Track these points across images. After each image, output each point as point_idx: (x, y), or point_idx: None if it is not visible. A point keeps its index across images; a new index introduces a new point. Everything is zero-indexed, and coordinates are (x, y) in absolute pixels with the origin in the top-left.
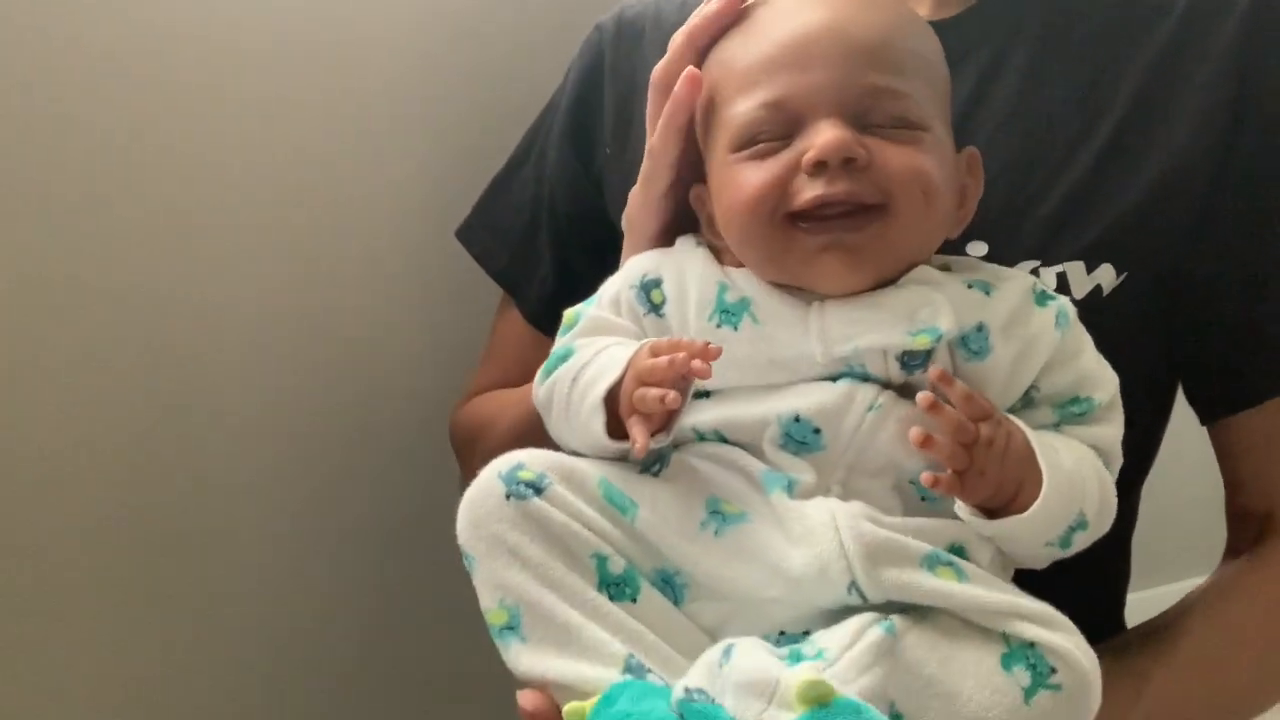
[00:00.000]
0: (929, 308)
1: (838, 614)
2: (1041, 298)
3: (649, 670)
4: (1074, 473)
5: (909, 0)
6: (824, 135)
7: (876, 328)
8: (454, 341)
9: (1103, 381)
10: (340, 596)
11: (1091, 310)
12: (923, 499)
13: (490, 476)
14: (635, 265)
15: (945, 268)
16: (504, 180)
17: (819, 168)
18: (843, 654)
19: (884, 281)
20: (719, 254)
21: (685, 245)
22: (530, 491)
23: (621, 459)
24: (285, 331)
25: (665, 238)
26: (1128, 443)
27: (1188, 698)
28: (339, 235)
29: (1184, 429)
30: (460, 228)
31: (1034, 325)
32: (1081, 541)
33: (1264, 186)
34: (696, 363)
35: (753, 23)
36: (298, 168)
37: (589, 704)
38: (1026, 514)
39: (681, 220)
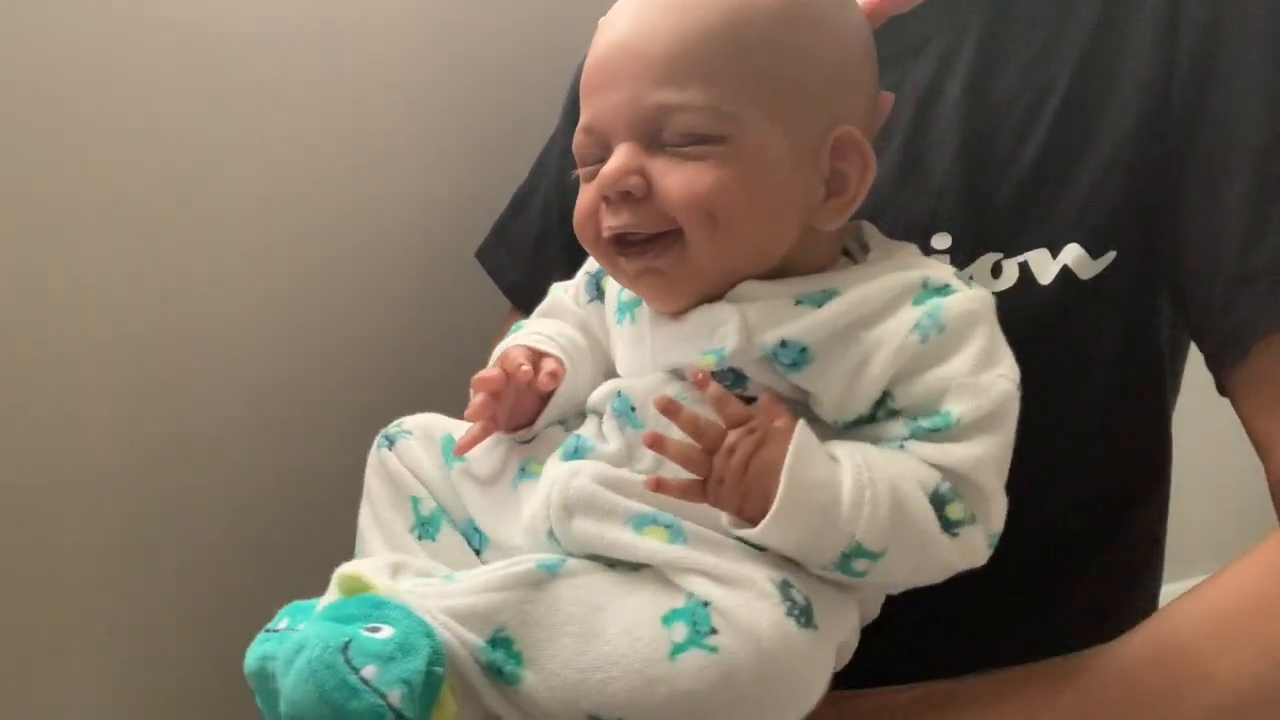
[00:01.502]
0: (717, 329)
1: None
2: (925, 295)
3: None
4: (848, 497)
5: None
6: (607, 164)
7: (679, 347)
8: (462, 354)
9: (970, 394)
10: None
11: (1072, 296)
12: None
13: (380, 434)
14: None
15: (849, 255)
16: (521, 198)
17: (606, 201)
18: (474, 578)
19: (711, 296)
20: None
21: None
22: (386, 443)
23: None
24: (284, 341)
25: None
26: (1138, 430)
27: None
28: (346, 243)
29: (1208, 417)
30: (480, 248)
31: (884, 331)
32: (886, 571)
33: (1210, 133)
34: (478, 400)
35: (593, 41)
36: (301, 173)
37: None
38: (752, 531)
39: None
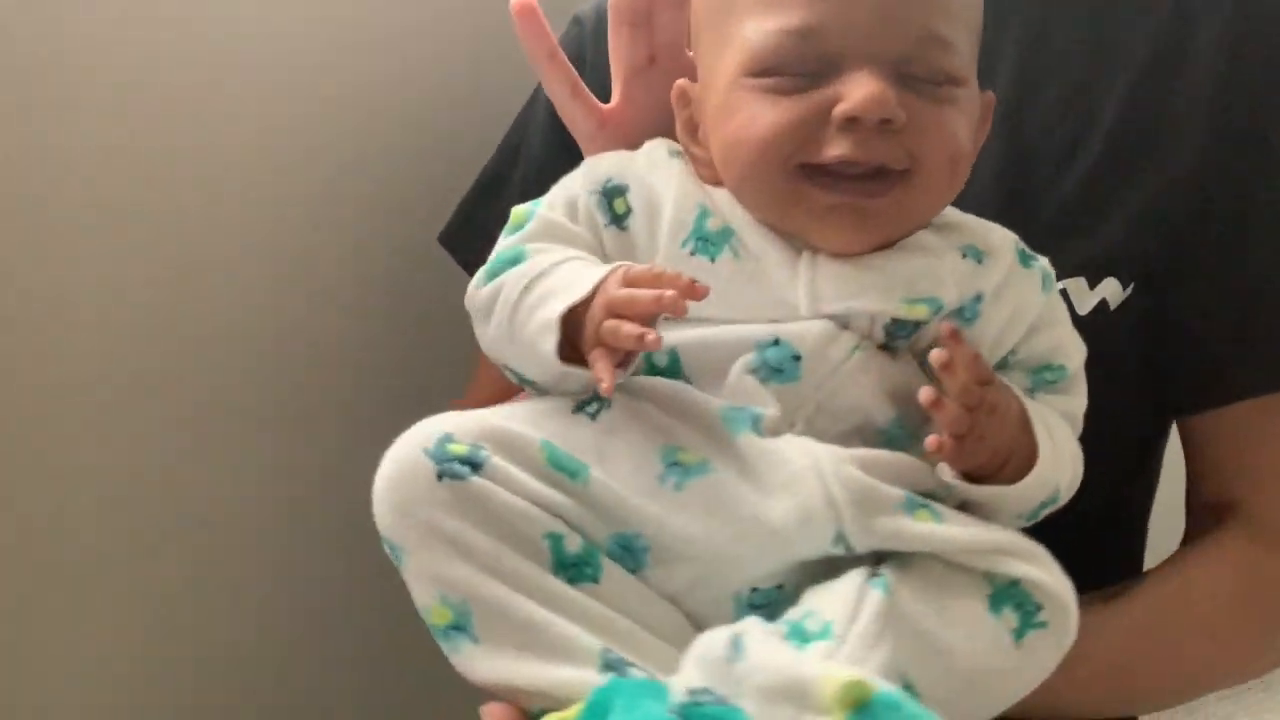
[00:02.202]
0: (929, 279)
1: (813, 564)
2: (1025, 258)
3: (629, 664)
4: (1059, 447)
5: None
6: (863, 89)
7: (872, 292)
8: (448, 347)
9: (1075, 350)
10: (328, 598)
11: (1100, 326)
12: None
13: (414, 453)
14: (597, 167)
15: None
16: (491, 181)
17: (850, 123)
18: (849, 629)
19: (886, 244)
20: (698, 165)
21: (656, 152)
22: (466, 469)
23: (560, 386)
24: (274, 336)
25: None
26: (1133, 451)
27: (1129, 665)
28: (329, 238)
29: None
30: (444, 234)
31: (1024, 289)
32: (1043, 514)
33: (1246, 186)
34: (680, 301)
35: None
36: (287, 170)
37: (573, 712)
38: (1017, 485)
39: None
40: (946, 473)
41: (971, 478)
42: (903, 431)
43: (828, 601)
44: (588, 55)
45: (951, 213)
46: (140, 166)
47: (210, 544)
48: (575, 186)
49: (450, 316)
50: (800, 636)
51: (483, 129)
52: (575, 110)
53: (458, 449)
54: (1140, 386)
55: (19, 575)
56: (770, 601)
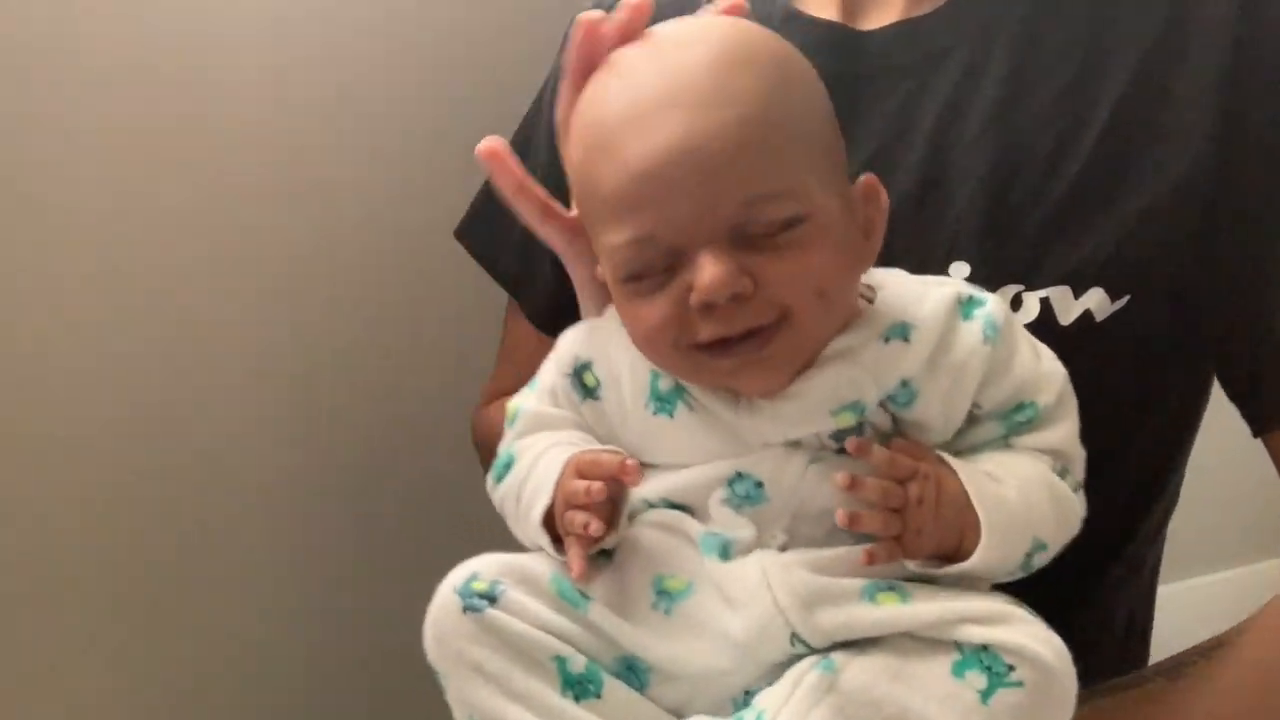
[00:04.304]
0: (848, 387)
1: (788, 665)
2: (968, 307)
3: None
4: (1020, 503)
5: None
6: (704, 274)
7: (804, 419)
8: (472, 340)
9: (1044, 382)
10: (344, 595)
11: (1087, 337)
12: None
13: (447, 592)
14: (565, 349)
15: (869, 291)
16: None
17: (707, 309)
18: (780, 708)
19: (807, 366)
20: None
21: (613, 320)
22: (485, 603)
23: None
24: (291, 334)
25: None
26: (1149, 460)
27: None
28: (345, 234)
29: (1211, 421)
30: (460, 227)
31: (961, 350)
32: (1044, 559)
33: (1258, 190)
34: (620, 479)
35: (604, 130)
36: (299, 167)
37: None
38: (968, 563)
39: None
40: (910, 563)
41: (942, 559)
42: None
43: (771, 692)
44: None
45: (889, 284)
46: (139, 167)
47: (214, 544)
48: (551, 373)
49: (466, 310)
50: None
51: (496, 126)
52: (549, 232)
53: (479, 586)
54: (1139, 401)
55: (19, 575)
56: None
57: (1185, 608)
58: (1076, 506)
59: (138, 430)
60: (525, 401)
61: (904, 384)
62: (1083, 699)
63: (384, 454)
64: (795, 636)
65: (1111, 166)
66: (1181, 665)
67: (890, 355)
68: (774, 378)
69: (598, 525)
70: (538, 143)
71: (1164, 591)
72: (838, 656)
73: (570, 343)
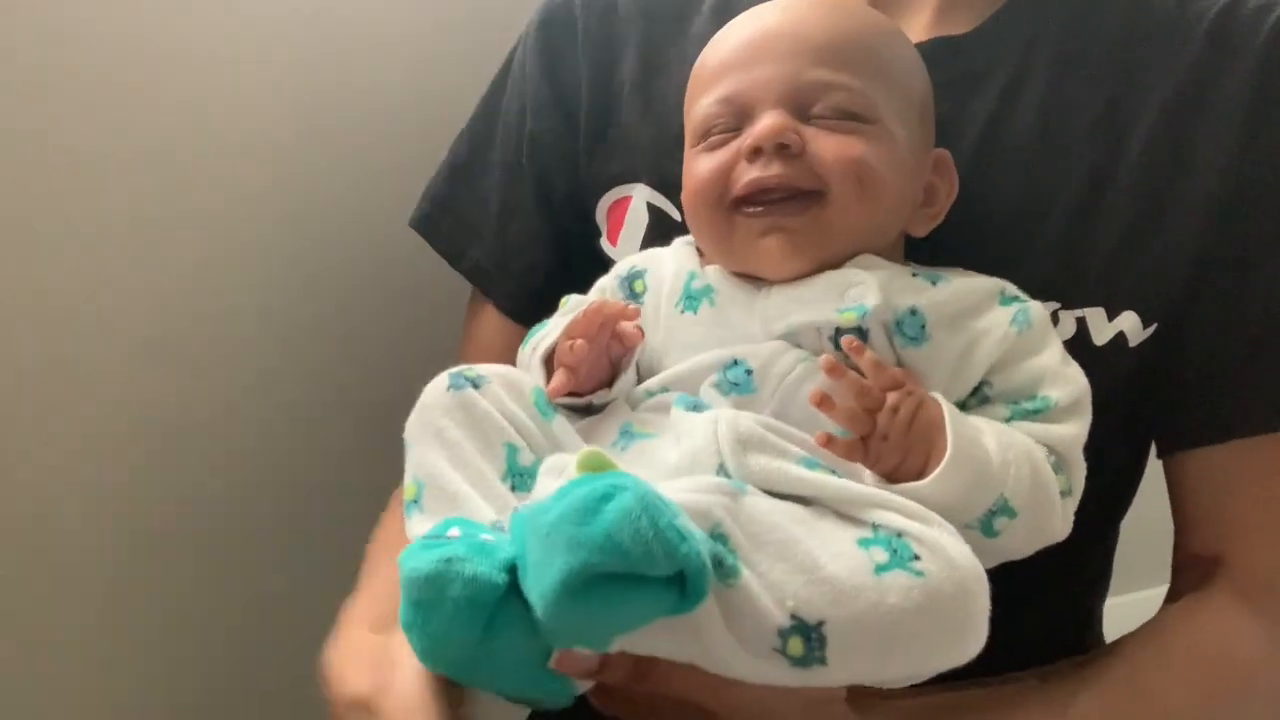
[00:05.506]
0: (858, 287)
1: None
2: (1008, 299)
3: None
4: (995, 454)
5: (906, 12)
6: (761, 123)
7: (808, 306)
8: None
9: (1063, 382)
10: (329, 595)
11: (1121, 359)
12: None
13: (442, 376)
14: (626, 260)
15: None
16: (462, 166)
17: (755, 153)
18: (678, 482)
19: (827, 266)
20: (705, 253)
21: (677, 244)
22: (468, 384)
23: (572, 410)
24: (291, 333)
25: None
26: (1113, 479)
27: None
28: (345, 234)
29: None
30: (415, 219)
31: (985, 320)
32: (1015, 533)
33: (1249, 225)
34: (576, 345)
35: (723, 31)
36: (282, 165)
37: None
38: (925, 480)
39: None
40: (866, 475)
41: (893, 479)
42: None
43: (672, 483)
44: (579, 25)
45: (950, 268)
46: (135, 166)
47: (211, 543)
48: (606, 278)
49: (431, 301)
50: None
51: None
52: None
53: (470, 373)
54: (1127, 421)
55: (19, 575)
56: None
57: (1135, 621)
58: (1057, 499)
59: (137, 430)
60: (572, 298)
61: (913, 312)
62: (954, 689)
63: (384, 454)
64: (723, 467)
65: (1148, 199)
66: (1055, 669)
67: (913, 284)
68: (796, 254)
69: (581, 344)
70: (508, 109)
71: (1113, 604)
72: (753, 490)
73: (631, 256)
